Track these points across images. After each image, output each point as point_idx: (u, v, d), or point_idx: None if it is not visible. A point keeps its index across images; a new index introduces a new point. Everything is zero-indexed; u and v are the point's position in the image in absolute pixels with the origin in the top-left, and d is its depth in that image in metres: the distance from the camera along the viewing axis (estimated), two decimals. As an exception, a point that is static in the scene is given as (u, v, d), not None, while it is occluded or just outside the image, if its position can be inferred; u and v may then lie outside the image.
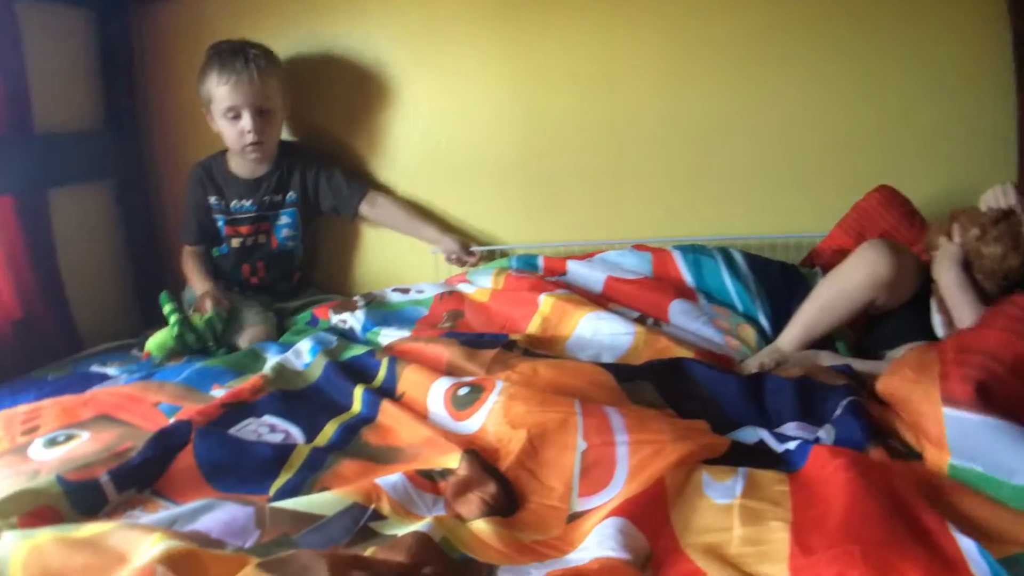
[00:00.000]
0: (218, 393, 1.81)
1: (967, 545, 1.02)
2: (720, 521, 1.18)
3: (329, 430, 1.62)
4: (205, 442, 1.51)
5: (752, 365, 1.83)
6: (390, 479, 1.32)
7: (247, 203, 2.56)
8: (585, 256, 2.35)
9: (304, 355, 1.97)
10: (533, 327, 2.04)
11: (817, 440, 1.40)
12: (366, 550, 1.11)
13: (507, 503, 1.30)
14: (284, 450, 1.51)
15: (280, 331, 2.37)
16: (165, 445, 1.49)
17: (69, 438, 1.63)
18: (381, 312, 2.26)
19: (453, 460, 1.40)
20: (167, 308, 2.20)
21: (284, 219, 2.60)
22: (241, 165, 2.55)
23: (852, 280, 1.85)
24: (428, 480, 1.35)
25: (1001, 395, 1.29)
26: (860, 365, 1.75)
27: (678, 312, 2.04)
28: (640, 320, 2.01)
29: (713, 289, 2.15)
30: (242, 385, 1.79)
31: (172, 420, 1.61)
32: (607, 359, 1.84)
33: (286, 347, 2.06)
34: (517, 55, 2.57)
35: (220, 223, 2.58)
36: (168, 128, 2.79)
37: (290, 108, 2.58)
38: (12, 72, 2.24)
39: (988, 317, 1.52)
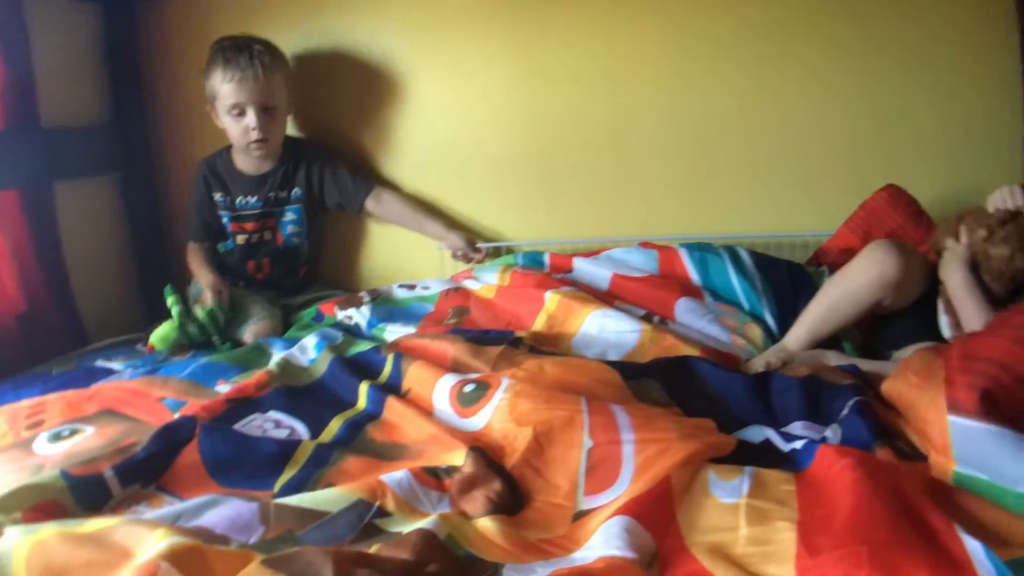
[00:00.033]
0: (223, 388, 1.81)
1: (974, 547, 1.02)
2: (726, 520, 1.18)
3: (334, 426, 1.62)
4: (210, 437, 1.51)
5: (758, 364, 1.83)
6: (395, 476, 1.31)
7: (252, 200, 2.55)
8: (591, 253, 2.34)
9: (309, 351, 1.97)
10: (539, 324, 2.03)
11: (824, 440, 1.40)
12: (371, 547, 1.11)
13: (512, 501, 1.29)
14: (289, 446, 1.51)
15: (285, 326, 2.37)
16: (170, 440, 1.48)
17: (74, 433, 1.62)
18: (387, 308, 2.26)
19: (458, 457, 1.39)
20: (170, 300, 2.20)
21: (289, 215, 2.60)
22: (246, 162, 2.55)
23: (859, 280, 1.84)
24: (433, 477, 1.34)
25: (1006, 404, 1.28)
26: (866, 365, 1.74)
27: (684, 310, 2.04)
28: (646, 318, 2.01)
29: (719, 287, 2.14)
30: (247, 380, 1.79)
31: (177, 415, 1.61)
32: (613, 357, 1.83)
33: (291, 342, 2.07)
34: (525, 53, 2.57)
35: (225, 220, 2.58)
36: (174, 122, 2.79)
37: (295, 104, 2.57)
38: (19, 65, 2.24)
39: (995, 325, 1.51)
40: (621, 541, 1.11)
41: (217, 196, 2.56)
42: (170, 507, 1.28)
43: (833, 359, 1.82)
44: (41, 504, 1.27)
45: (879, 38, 2.36)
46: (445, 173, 2.68)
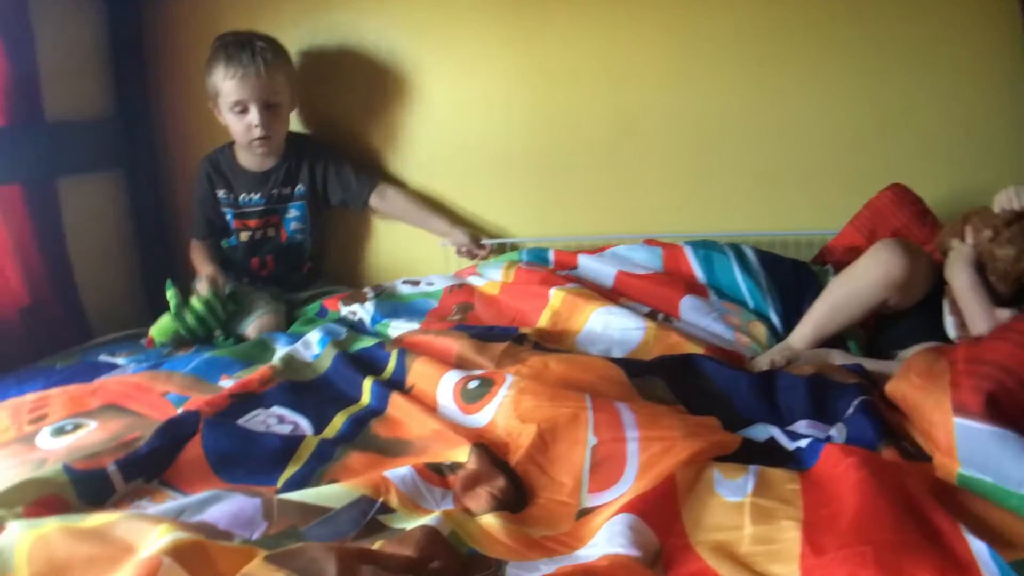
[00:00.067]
0: (226, 383, 1.81)
1: (979, 548, 1.01)
2: (731, 519, 1.17)
3: (338, 422, 1.62)
4: (213, 432, 1.50)
5: (763, 362, 1.82)
6: (399, 472, 1.31)
7: (256, 196, 2.55)
8: (596, 250, 2.34)
9: (313, 346, 1.96)
10: (543, 321, 2.03)
11: (829, 439, 1.39)
12: (374, 543, 1.11)
13: (516, 498, 1.29)
14: (292, 441, 1.50)
15: (289, 321, 2.36)
16: (173, 435, 1.48)
17: (77, 427, 1.62)
18: (391, 304, 2.25)
19: (462, 454, 1.39)
20: (169, 293, 2.19)
21: (293, 212, 2.59)
22: (249, 158, 2.54)
23: (865, 280, 1.83)
24: (437, 474, 1.34)
25: (1010, 407, 1.28)
26: (871, 365, 1.74)
27: (689, 308, 2.03)
28: (651, 315, 2.00)
29: (724, 285, 2.14)
30: (251, 376, 1.78)
31: (180, 410, 1.61)
32: (617, 354, 1.83)
33: (295, 338, 2.06)
34: (531, 50, 2.56)
35: (229, 217, 2.57)
36: (179, 118, 2.79)
37: (298, 100, 2.57)
38: (23, 61, 2.24)
39: (1001, 330, 1.51)
40: (625, 539, 1.10)
41: (220, 193, 2.56)
42: (173, 502, 1.27)
43: (838, 358, 1.81)
44: (43, 499, 1.26)
45: (881, 37, 2.35)
46: (450, 169, 2.68)
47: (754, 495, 1.21)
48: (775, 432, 1.45)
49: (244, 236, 2.58)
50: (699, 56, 2.47)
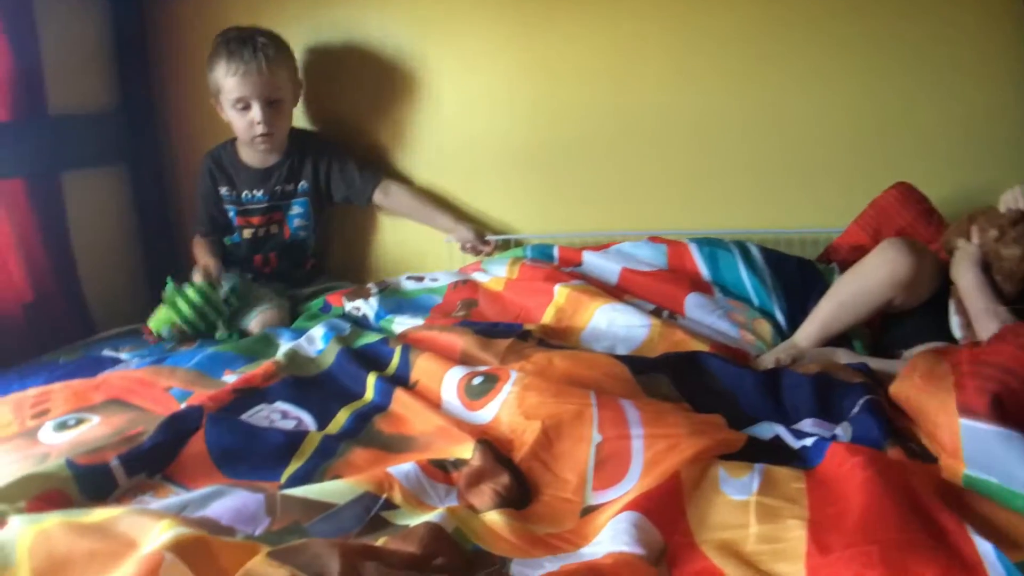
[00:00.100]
0: (230, 378, 1.80)
1: (985, 548, 1.00)
2: (736, 518, 1.17)
3: (341, 417, 1.61)
4: (216, 428, 1.50)
5: (768, 360, 1.82)
6: (403, 468, 1.31)
7: (258, 193, 2.54)
8: (600, 247, 2.33)
9: (317, 341, 1.96)
10: (548, 317, 2.02)
11: (834, 437, 1.38)
12: (377, 540, 1.10)
13: (520, 495, 1.28)
14: (296, 437, 1.50)
15: (293, 317, 2.36)
16: (176, 430, 1.48)
17: (79, 422, 1.62)
18: (395, 300, 2.25)
19: (466, 450, 1.39)
20: (168, 286, 2.19)
21: (296, 209, 2.59)
22: (251, 155, 2.54)
23: (872, 279, 1.83)
24: (441, 470, 1.34)
25: (1015, 408, 1.27)
26: (877, 364, 1.73)
27: (694, 305, 2.02)
28: (655, 312, 1.99)
29: (729, 283, 2.13)
30: (254, 371, 1.78)
31: (183, 405, 1.60)
32: (622, 351, 1.82)
33: (299, 333, 2.06)
34: (535, 46, 2.56)
35: (231, 214, 2.57)
36: (182, 112, 2.79)
37: (300, 96, 2.56)
38: (27, 55, 2.24)
39: (1004, 333, 1.51)
40: (630, 537, 1.10)
41: (223, 190, 2.56)
42: (176, 497, 1.27)
43: (843, 357, 1.80)
44: (45, 493, 1.26)
45: (882, 36, 2.34)
46: (455, 166, 2.67)
47: (759, 494, 1.20)
48: (780, 430, 1.44)
49: (247, 233, 2.58)
50: (704, 53, 2.46)
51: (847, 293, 1.87)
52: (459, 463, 1.36)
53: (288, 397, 1.69)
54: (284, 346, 1.97)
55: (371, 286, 2.33)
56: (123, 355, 2.10)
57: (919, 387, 1.43)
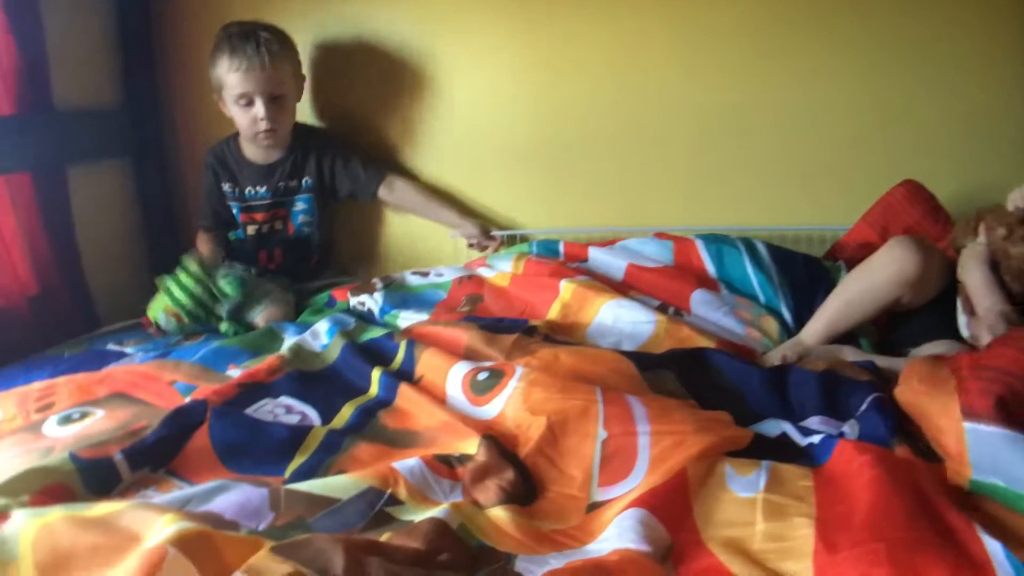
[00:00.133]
0: (234, 373, 1.80)
1: (994, 547, 1.00)
2: (743, 515, 1.16)
3: (346, 412, 1.61)
4: (220, 422, 1.50)
5: (774, 357, 1.81)
6: (407, 463, 1.30)
7: (262, 190, 2.54)
8: (606, 243, 2.32)
9: (322, 336, 1.96)
10: (553, 313, 2.02)
11: (841, 435, 1.37)
12: (382, 535, 1.10)
13: (525, 491, 1.28)
14: (300, 432, 1.50)
15: (298, 312, 2.35)
16: (180, 424, 1.48)
17: (84, 416, 1.62)
18: (400, 295, 2.24)
19: (471, 445, 1.38)
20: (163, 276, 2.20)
21: (300, 205, 2.58)
22: (254, 151, 2.53)
23: (879, 277, 1.82)
24: (446, 465, 1.33)
25: (1020, 410, 1.27)
26: (883, 362, 1.73)
27: (700, 302, 2.02)
28: (661, 309, 1.99)
29: (735, 280, 2.12)
30: (258, 365, 1.78)
31: (188, 399, 1.60)
32: (628, 347, 1.81)
33: (303, 327, 2.05)
34: (540, 41, 2.55)
35: (235, 210, 2.56)
36: (187, 106, 2.78)
37: (302, 91, 2.55)
38: (31, 48, 2.23)
39: (1005, 338, 1.51)
40: (636, 534, 1.09)
41: (225, 187, 2.55)
42: (179, 492, 1.27)
43: (850, 355, 1.80)
44: (49, 487, 1.25)
45: (886, 34, 2.34)
46: (461, 161, 2.67)
47: (766, 491, 1.20)
48: (787, 427, 1.44)
49: (251, 230, 2.57)
50: (711, 49, 2.45)
51: (854, 291, 1.86)
52: (464, 458, 1.35)
53: (292, 392, 1.69)
54: (289, 340, 1.97)
55: (376, 281, 2.32)
56: (127, 349, 2.10)
57: (919, 391, 1.42)
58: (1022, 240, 1.75)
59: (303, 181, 2.56)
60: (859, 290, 1.85)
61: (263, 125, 2.39)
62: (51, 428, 1.57)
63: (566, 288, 2.05)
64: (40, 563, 1.05)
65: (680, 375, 1.61)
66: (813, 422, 1.46)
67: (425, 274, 2.37)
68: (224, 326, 2.20)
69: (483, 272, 2.28)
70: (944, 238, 2.05)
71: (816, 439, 1.36)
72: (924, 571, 0.96)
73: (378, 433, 1.53)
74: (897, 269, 1.80)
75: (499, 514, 1.19)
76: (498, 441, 1.38)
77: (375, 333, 1.97)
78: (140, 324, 2.30)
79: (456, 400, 1.60)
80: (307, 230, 2.61)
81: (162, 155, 2.81)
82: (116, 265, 2.62)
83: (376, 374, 1.71)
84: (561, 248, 2.33)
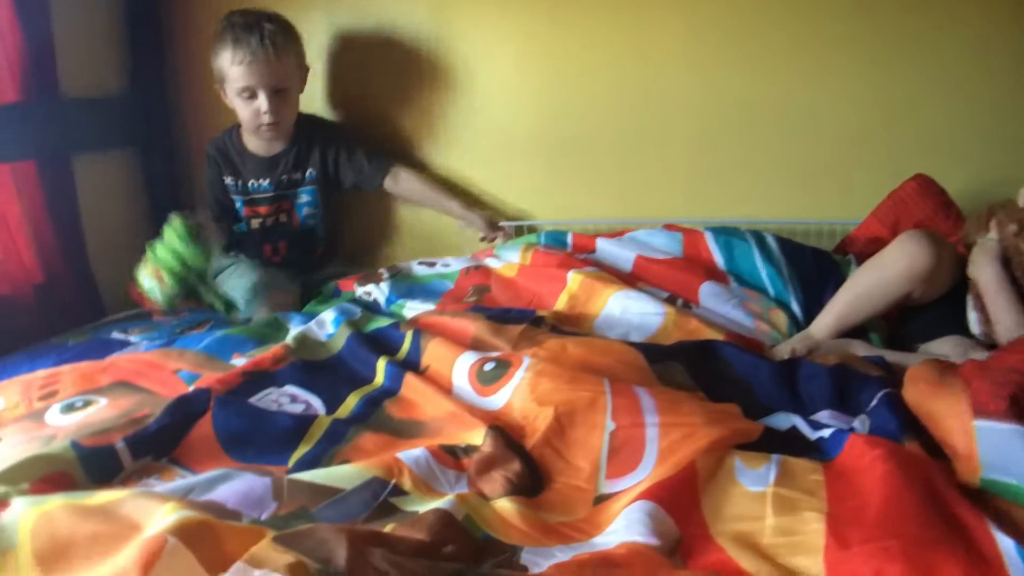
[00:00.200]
0: (239, 362, 1.79)
1: (1006, 544, 0.99)
2: (753, 509, 1.15)
3: (351, 402, 1.60)
4: (224, 411, 1.49)
5: (783, 351, 1.80)
6: (412, 454, 1.29)
7: (264, 182, 2.51)
8: (615, 234, 2.31)
9: (327, 325, 1.95)
10: (561, 304, 2.00)
11: (851, 430, 1.36)
12: (386, 526, 1.09)
13: (532, 482, 1.27)
14: (304, 421, 1.49)
15: (303, 301, 2.34)
16: (184, 413, 1.47)
17: (87, 404, 1.61)
18: (406, 285, 2.23)
19: (477, 436, 1.37)
20: None
21: (304, 197, 2.56)
22: (256, 143, 2.50)
23: (890, 271, 1.81)
24: (451, 456, 1.32)
25: None
26: (893, 357, 1.71)
27: (708, 294, 2.01)
28: (670, 300, 1.98)
29: (744, 272, 2.11)
30: (263, 354, 1.77)
31: (191, 388, 1.59)
32: (636, 339, 1.80)
33: (309, 317, 2.04)
34: (551, 31, 2.54)
35: (238, 203, 2.54)
36: (194, 95, 2.77)
37: (306, 81, 2.52)
38: (38, 36, 2.22)
39: (1010, 346, 1.52)
40: (644, 527, 1.08)
41: (228, 180, 2.52)
42: (182, 480, 1.26)
43: (860, 349, 1.78)
44: (49, 475, 1.25)
45: (892, 29, 2.32)
46: (469, 151, 2.66)
47: (776, 485, 1.19)
48: (797, 421, 1.43)
49: (255, 223, 2.55)
50: (718, 44, 2.44)
51: (865, 285, 1.85)
52: (470, 449, 1.34)
53: (297, 381, 1.68)
54: (294, 330, 1.95)
55: (382, 271, 2.32)
56: (132, 338, 2.09)
57: (926, 393, 1.40)
58: (1034, 237, 1.74)
59: (307, 173, 2.54)
60: (869, 284, 1.84)
61: (266, 119, 2.36)
62: (54, 416, 1.57)
63: (574, 279, 2.04)
64: (38, 551, 1.04)
65: (689, 367, 1.60)
66: (823, 416, 1.45)
67: (432, 264, 2.36)
68: (206, 294, 2.19)
69: (490, 262, 2.27)
70: (955, 233, 2.04)
71: (826, 433, 1.35)
72: (937, 568, 0.95)
73: (383, 423, 1.52)
74: (908, 263, 1.78)
75: (505, 506, 1.18)
76: (504, 432, 1.37)
77: (381, 323, 1.96)
78: (150, 316, 2.29)
79: (462, 390, 1.60)
80: (312, 222, 2.59)
81: (168, 144, 2.80)
82: (121, 254, 2.58)
83: (382, 364, 1.71)
84: (569, 239, 2.32)
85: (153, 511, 1.08)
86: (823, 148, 2.43)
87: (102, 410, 1.57)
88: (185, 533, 0.99)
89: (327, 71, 2.64)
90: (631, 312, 1.91)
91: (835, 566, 1.01)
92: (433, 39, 2.60)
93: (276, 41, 2.30)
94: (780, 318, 1.95)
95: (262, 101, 2.33)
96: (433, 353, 1.71)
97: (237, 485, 1.21)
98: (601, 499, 1.23)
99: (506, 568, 1.05)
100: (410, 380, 1.62)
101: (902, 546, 0.98)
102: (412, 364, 1.72)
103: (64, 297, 2.30)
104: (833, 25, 2.35)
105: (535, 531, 1.14)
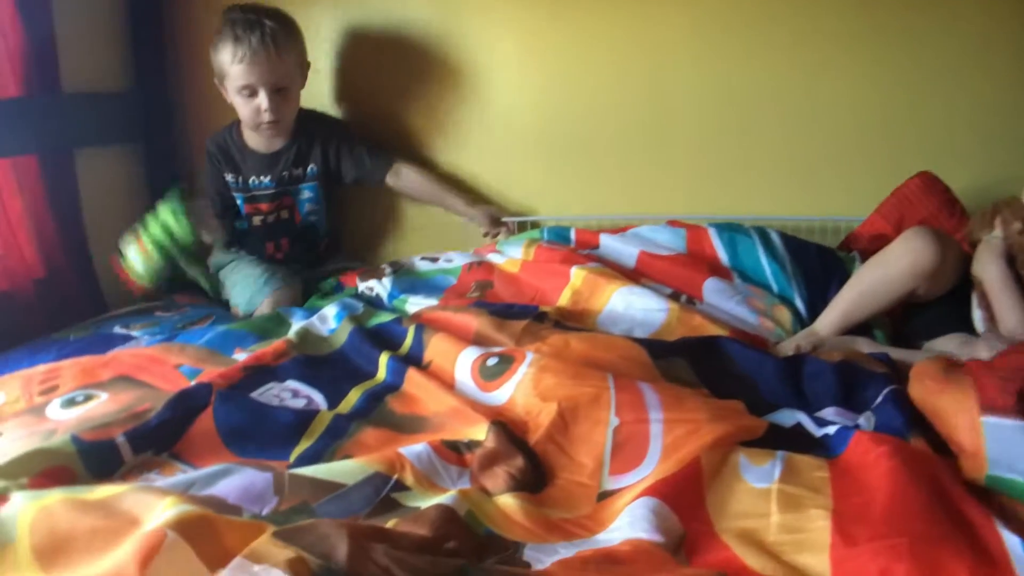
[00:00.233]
0: (240, 357, 1.78)
1: (1013, 542, 0.99)
2: (757, 506, 1.14)
3: (353, 397, 1.59)
4: (225, 406, 1.48)
5: (787, 348, 1.80)
6: (414, 449, 1.29)
7: (265, 179, 2.49)
8: (618, 230, 2.31)
9: (329, 320, 1.94)
10: (564, 300, 2.00)
11: (857, 427, 1.35)
12: (388, 522, 1.08)
13: (535, 478, 1.26)
14: (306, 416, 1.48)
15: (306, 296, 2.34)
16: (185, 407, 1.46)
17: (88, 398, 1.61)
18: (409, 280, 2.23)
19: (480, 432, 1.37)
20: None
21: (306, 193, 2.54)
22: (256, 139, 2.48)
23: (895, 268, 1.80)
24: (454, 451, 1.32)
25: None
26: (898, 354, 1.71)
27: (712, 290, 2.00)
28: (673, 296, 1.97)
29: (748, 268, 2.11)
30: (265, 349, 1.76)
31: (193, 382, 1.59)
32: (639, 335, 1.79)
33: (311, 312, 2.04)
34: (557, 26, 2.53)
35: (239, 201, 2.52)
36: (196, 90, 2.75)
37: (307, 77, 2.50)
38: (40, 30, 2.21)
39: (1011, 347, 1.51)
40: (648, 524, 1.08)
41: (228, 177, 2.50)
42: (182, 475, 1.26)
43: (864, 346, 1.78)
44: (49, 470, 1.24)
45: (907, 25, 2.31)
46: (473, 146, 2.65)
47: (781, 482, 1.18)
48: (802, 418, 1.42)
49: (256, 220, 2.53)
50: (725, 36, 2.43)
51: (869, 281, 1.84)
52: (473, 445, 1.34)
53: (299, 376, 1.68)
54: (296, 325, 1.94)
55: (385, 266, 2.31)
56: (134, 332, 2.08)
57: (932, 389, 1.40)
58: (1039, 234, 1.74)
59: (308, 169, 2.52)
60: (874, 281, 1.83)
61: (267, 117, 2.34)
62: (54, 411, 1.56)
63: (577, 275, 2.03)
64: (37, 546, 1.04)
65: (693, 363, 1.59)
66: (828, 413, 1.44)
67: (434, 259, 2.36)
68: (191, 271, 2.22)
69: (493, 258, 2.26)
70: (960, 231, 2.03)
71: (831, 430, 1.34)
72: (944, 566, 0.94)
73: (385, 418, 1.52)
74: (913, 260, 1.78)
75: (508, 501, 1.18)
76: (507, 427, 1.37)
77: (383, 318, 1.95)
78: (156, 314, 2.28)
79: (465, 385, 1.59)
80: (314, 218, 2.58)
81: (171, 139, 2.80)
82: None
83: (384, 359, 1.70)
84: (572, 235, 2.31)
85: (153, 505, 1.07)
86: (826, 144, 2.42)
87: (103, 404, 1.56)
88: (185, 528, 0.98)
89: (334, 67, 2.64)
90: (634, 308, 1.91)
91: (841, 564, 1.00)
92: (439, 36, 2.59)
93: (277, 39, 2.28)
94: (784, 314, 1.95)
95: (262, 99, 2.31)
96: (436, 348, 1.70)
97: (238, 480, 1.21)
98: (604, 495, 1.22)
99: (508, 564, 1.04)
100: (412, 375, 1.61)
101: (909, 544, 0.97)
102: (415, 359, 1.71)
103: (65, 292, 2.30)
104: (836, 22, 2.34)
105: (538, 527, 1.14)
